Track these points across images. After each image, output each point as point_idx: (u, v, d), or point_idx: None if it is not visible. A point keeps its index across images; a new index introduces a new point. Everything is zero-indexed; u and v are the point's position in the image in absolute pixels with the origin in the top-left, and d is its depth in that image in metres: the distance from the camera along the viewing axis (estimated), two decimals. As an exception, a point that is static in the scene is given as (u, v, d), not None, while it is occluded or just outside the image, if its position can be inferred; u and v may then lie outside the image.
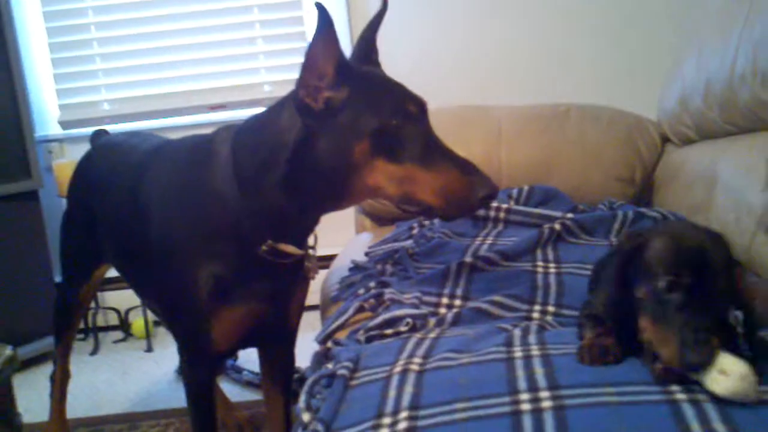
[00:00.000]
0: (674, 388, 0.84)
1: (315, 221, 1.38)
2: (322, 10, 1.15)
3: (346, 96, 1.22)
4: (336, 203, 1.33)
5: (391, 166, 1.22)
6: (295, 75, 1.21)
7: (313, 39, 1.19)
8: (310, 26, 3.28)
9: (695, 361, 0.83)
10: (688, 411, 0.80)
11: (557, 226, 1.60)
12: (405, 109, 1.24)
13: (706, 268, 0.89)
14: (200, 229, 1.33)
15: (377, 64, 1.40)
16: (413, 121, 1.24)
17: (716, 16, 1.95)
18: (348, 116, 1.22)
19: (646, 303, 0.92)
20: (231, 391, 2.41)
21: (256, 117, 1.36)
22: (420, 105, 1.28)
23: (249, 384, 2.50)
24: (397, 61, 3.09)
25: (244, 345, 1.54)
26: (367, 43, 1.40)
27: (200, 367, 1.44)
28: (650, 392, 0.85)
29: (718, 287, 0.88)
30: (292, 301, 1.45)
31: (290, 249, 1.32)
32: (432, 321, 1.25)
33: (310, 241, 1.41)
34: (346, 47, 1.21)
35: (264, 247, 1.29)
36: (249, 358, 2.45)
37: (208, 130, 1.41)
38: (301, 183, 1.26)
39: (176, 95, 3.38)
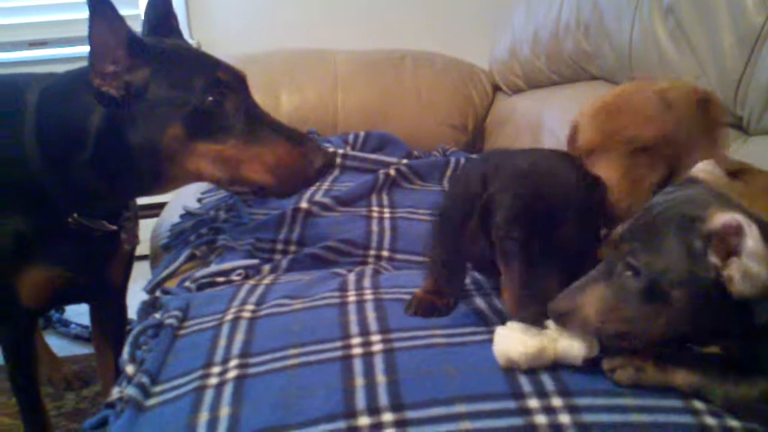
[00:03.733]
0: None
1: (131, 200, 1.30)
2: None
3: (147, 77, 1.12)
4: (155, 189, 1.25)
5: (212, 147, 1.14)
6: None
7: (90, 22, 1.06)
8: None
9: (524, 318, 0.81)
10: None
11: (392, 172, 1.60)
12: (219, 83, 1.14)
13: (547, 216, 0.83)
14: (3, 184, 1.22)
15: (178, 33, 1.29)
16: (230, 94, 1.15)
17: (545, -31, 2.01)
18: (153, 99, 1.12)
19: (497, 246, 0.87)
20: (58, 345, 2.29)
21: (66, 80, 1.22)
22: (236, 76, 1.19)
23: (77, 338, 2.38)
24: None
25: (60, 303, 1.46)
26: (160, 9, 1.27)
27: (11, 324, 1.35)
28: (477, 333, 0.88)
29: (564, 232, 0.83)
30: (114, 261, 1.38)
31: (101, 225, 1.24)
32: (266, 268, 1.23)
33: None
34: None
35: (70, 220, 1.21)
36: (79, 311, 2.33)
37: (28, 70, 1.30)
38: (112, 168, 1.17)
39: (-9, 29, 3.11)
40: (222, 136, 1.14)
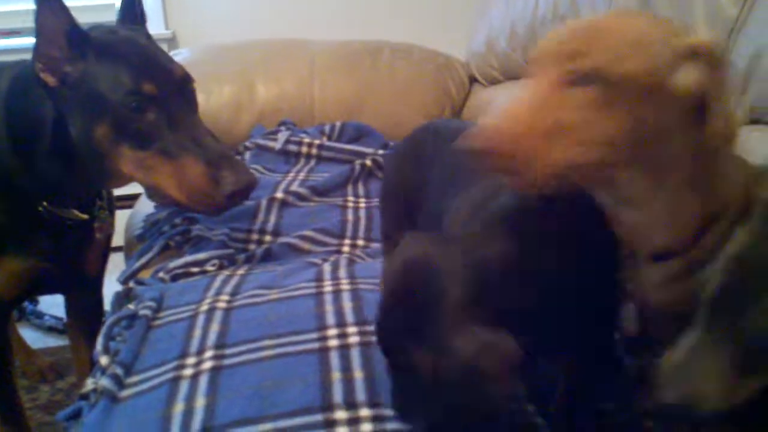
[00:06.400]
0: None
1: (97, 190, 1.28)
2: None
3: (83, 71, 1.08)
4: (111, 183, 1.23)
5: (137, 153, 1.10)
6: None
7: (36, 9, 1.05)
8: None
9: None
10: None
11: (368, 162, 1.60)
12: (146, 87, 1.09)
13: None
14: None
15: (141, 23, 1.24)
16: (153, 104, 1.10)
17: (522, -40, 2.01)
18: (86, 94, 1.08)
19: None
20: (32, 337, 2.27)
21: (32, 68, 1.18)
22: (170, 81, 1.13)
23: (52, 329, 2.36)
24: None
25: (35, 294, 1.43)
26: None
27: None
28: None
29: None
30: (89, 251, 1.36)
31: (72, 214, 1.22)
32: (241, 258, 1.22)
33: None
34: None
35: (40, 209, 1.19)
36: (53, 302, 2.31)
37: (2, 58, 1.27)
38: (67, 159, 1.14)
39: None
40: (144, 144, 1.10)
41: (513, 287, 0.64)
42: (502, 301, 0.63)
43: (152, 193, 1.16)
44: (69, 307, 1.55)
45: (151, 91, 1.09)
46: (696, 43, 0.61)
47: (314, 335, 0.87)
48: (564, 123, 0.62)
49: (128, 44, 1.15)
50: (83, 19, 1.14)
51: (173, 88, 1.13)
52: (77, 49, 1.08)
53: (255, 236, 1.32)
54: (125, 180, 1.19)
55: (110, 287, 1.42)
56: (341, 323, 0.89)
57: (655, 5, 1.40)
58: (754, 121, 1.16)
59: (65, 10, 1.07)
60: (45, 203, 1.19)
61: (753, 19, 1.16)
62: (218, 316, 0.96)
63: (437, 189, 0.88)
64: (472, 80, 2.35)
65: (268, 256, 1.23)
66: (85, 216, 1.24)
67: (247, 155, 1.79)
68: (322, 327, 0.89)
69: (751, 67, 1.14)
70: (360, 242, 1.29)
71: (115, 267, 1.56)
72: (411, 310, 0.63)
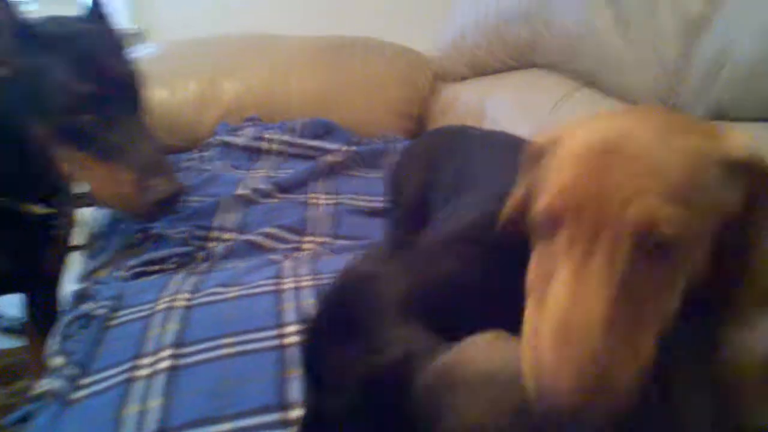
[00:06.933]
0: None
1: (54, 186, 1.25)
2: None
3: (25, 67, 1.06)
4: (62, 179, 1.20)
5: (75, 153, 1.08)
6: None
7: None
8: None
9: None
10: None
11: (333, 159, 1.59)
12: (85, 87, 1.07)
13: None
14: None
15: (102, 19, 1.22)
16: (98, 101, 1.07)
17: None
18: (26, 91, 1.06)
19: None
20: (-11, 338, 2.22)
21: None
22: (113, 81, 1.11)
23: (8, 331, 2.31)
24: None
25: None
26: None
27: None
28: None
29: None
30: (49, 250, 1.33)
31: (29, 210, 1.20)
32: (201, 255, 1.20)
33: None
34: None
35: None
36: (10, 303, 2.26)
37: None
38: (21, 153, 1.12)
39: None
40: (82, 145, 1.08)
41: (457, 308, 0.61)
42: (447, 320, 0.60)
43: (95, 195, 1.13)
44: (27, 307, 1.52)
45: (90, 91, 1.07)
46: (739, 154, 0.55)
47: (273, 332, 0.86)
48: (645, 305, 0.51)
49: (75, 41, 1.11)
50: (46, 11, 1.12)
51: (115, 89, 1.10)
52: (21, 43, 1.05)
53: (216, 233, 1.29)
54: (73, 178, 1.17)
55: (69, 286, 1.39)
56: (301, 320, 0.88)
57: (621, 4, 1.40)
58: (720, 118, 1.16)
59: (9, 3, 1.04)
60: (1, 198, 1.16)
61: (718, 16, 1.17)
62: (176, 314, 0.94)
63: (442, 192, 0.88)
64: (440, 77, 2.35)
65: (229, 254, 1.21)
66: (44, 211, 1.22)
67: (212, 152, 1.76)
68: (282, 324, 0.87)
69: (716, 65, 1.14)
70: (323, 239, 1.27)
71: (74, 265, 1.53)
72: (341, 324, 0.62)
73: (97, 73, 1.09)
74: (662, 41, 1.28)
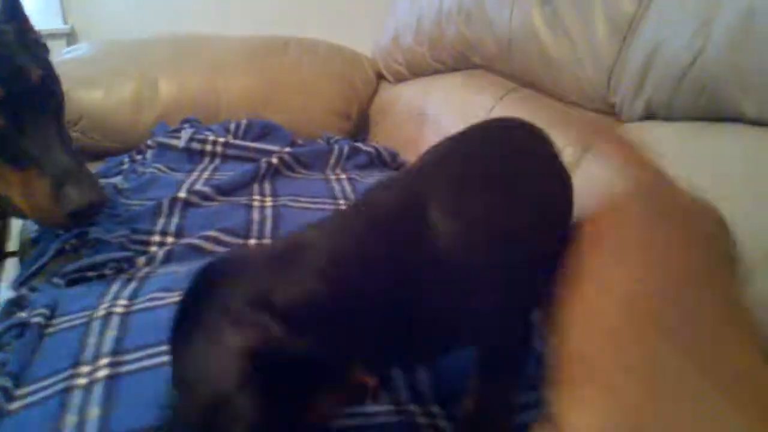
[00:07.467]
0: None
1: None
2: None
3: None
4: None
5: None
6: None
7: None
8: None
9: None
10: None
11: (274, 160, 1.57)
12: None
13: None
14: None
15: (13, 17, 1.16)
16: (8, 106, 1.03)
17: (426, -45, 2.01)
18: None
19: None
20: None
21: None
22: (24, 84, 1.06)
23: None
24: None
25: None
26: None
27: None
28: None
29: None
30: None
31: None
32: (141, 260, 1.17)
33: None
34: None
35: None
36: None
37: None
38: None
39: None
40: None
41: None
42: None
43: (8, 203, 1.08)
44: None
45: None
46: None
47: (216, 338, 0.84)
48: None
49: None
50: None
51: (27, 92, 1.06)
52: None
53: (156, 238, 1.27)
54: None
55: (2, 294, 1.35)
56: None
57: (556, 4, 1.42)
58: (650, 117, 1.19)
59: None
60: None
61: (650, 14, 1.19)
62: (115, 321, 0.92)
63: None
64: (380, 76, 2.35)
65: (169, 258, 1.19)
66: None
67: (149, 154, 1.73)
68: (225, 329, 0.86)
69: (648, 63, 1.16)
70: (266, 241, 1.26)
71: (8, 273, 1.49)
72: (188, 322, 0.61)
73: (8, 78, 1.04)
74: (596, 41, 1.30)
